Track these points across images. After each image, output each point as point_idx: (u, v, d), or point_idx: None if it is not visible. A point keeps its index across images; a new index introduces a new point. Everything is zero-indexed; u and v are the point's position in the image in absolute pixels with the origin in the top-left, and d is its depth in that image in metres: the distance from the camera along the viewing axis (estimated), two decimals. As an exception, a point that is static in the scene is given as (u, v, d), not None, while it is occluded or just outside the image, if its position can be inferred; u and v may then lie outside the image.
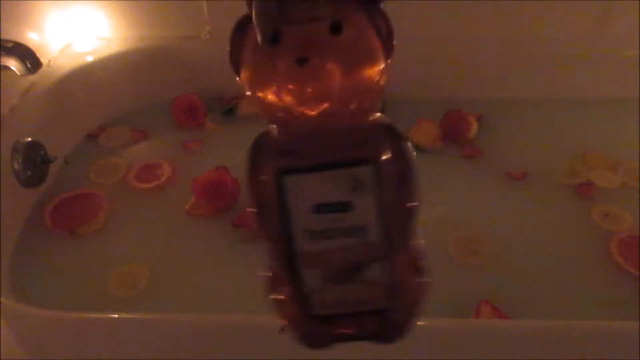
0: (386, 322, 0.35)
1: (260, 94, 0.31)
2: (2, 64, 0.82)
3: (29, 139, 0.96)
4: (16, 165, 0.93)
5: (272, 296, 0.36)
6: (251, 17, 0.30)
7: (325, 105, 0.30)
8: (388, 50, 0.31)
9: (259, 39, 0.29)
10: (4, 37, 0.86)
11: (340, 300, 0.34)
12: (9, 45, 0.82)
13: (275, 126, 0.33)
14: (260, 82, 0.31)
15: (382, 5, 0.31)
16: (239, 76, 0.32)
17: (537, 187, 0.99)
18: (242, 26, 0.32)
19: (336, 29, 0.30)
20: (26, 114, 1.01)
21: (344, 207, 0.31)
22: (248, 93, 0.32)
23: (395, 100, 1.14)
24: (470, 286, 0.82)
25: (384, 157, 0.32)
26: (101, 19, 1.19)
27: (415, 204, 0.33)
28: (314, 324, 0.35)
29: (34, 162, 0.97)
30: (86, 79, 1.15)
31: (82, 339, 0.73)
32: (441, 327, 0.68)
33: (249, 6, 0.30)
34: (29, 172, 0.96)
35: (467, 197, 0.98)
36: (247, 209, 0.34)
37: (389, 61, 0.31)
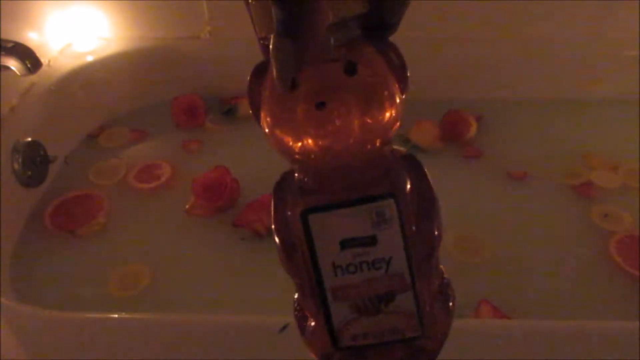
0: (414, 349, 0.35)
1: (280, 137, 0.31)
2: (2, 64, 0.82)
3: (29, 139, 0.96)
4: (16, 165, 0.93)
5: (302, 331, 0.36)
6: (267, 63, 0.31)
7: (345, 145, 0.31)
8: (403, 82, 0.32)
9: (278, 85, 0.30)
10: (4, 37, 0.86)
11: (369, 331, 0.34)
12: (9, 45, 0.82)
13: (296, 166, 0.33)
14: (280, 127, 0.31)
15: (389, 37, 0.32)
16: (258, 119, 0.33)
17: (537, 187, 0.99)
18: (260, 72, 0.32)
19: (351, 70, 0.30)
20: (26, 114, 1.01)
21: (368, 241, 0.32)
22: (268, 135, 0.32)
23: (395, 100, 1.15)
24: (470, 286, 0.82)
25: (404, 190, 0.32)
26: (101, 19, 1.19)
27: (438, 232, 0.34)
28: (344, 356, 0.35)
29: (34, 162, 0.97)
30: (86, 79, 1.15)
31: (82, 339, 0.73)
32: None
33: (263, 50, 0.31)
34: (29, 172, 0.96)
35: (467, 197, 0.98)
36: (276, 246, 0.35)
37: (403, 95, 0.32)
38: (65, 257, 0.89)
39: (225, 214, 0.95)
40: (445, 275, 0.36)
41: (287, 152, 0.32)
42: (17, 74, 0.83)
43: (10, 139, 0.94)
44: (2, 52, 0.81)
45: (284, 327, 0.65)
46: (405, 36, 0.33)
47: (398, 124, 0.32)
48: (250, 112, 0.34)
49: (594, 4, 1.11)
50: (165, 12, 1.18)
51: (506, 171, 1.02)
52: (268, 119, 0.32)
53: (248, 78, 0.33)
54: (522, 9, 1.12)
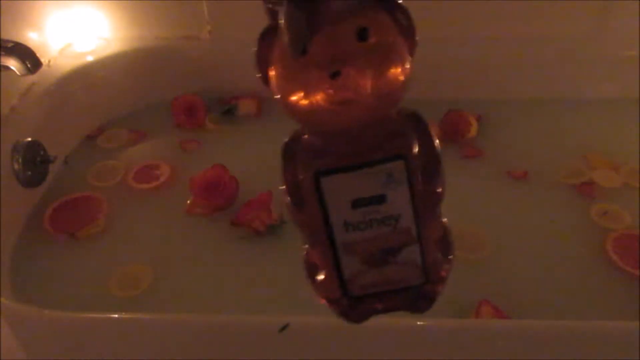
0: (418, 294, 0.37)
1: (292, 102, 0.32)
2: (2, 64, 0.81)
3: (29, 139, 0.96)
4: (16, 165, 0.93)
5: (312, 280, 0.38)
6: (274, 27, 0.31)
7: (357, 111, 0.31)
8: (411, 45, 0.32)
9: (290, 51, 0.30)
10: (4, 37, 0.86)
11: (377, 281, 0.36)
12: (9, 45, 0.82)
13: (306, 128, 0.34)
14: (292, 92, 0.32)
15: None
16: (266, 84, 0.33)
17: (537, 187, 0.99)
18: (267, 36, 0.33)
19: (363, 35, 0.31)
20: (26, 114, 1.01)
21: (378, 200, 0.34)
22: (279, 100, 0.33)
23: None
24: (470, 286, 0.82)
25: (412, 151, 0.33)
26: (101, 19, 1.19)
27: (442, 189, 0.35)
28: (353, 303, 0.37)
29: (34, 162, 0.97)
30: (86, 79, 1.15)
31: (82, 339, 0.73)
32: (441, 327, 0.68)
33: (269, 14, 0.32)
34: (29, 172, 0.96)
35: (468, 197, 0.97)
36: (285, 203, 0.36)
37: (412, 57, 0.33)
38: (66, 258, 0.89)
39: (224, 212, 0.95)
40: (446, 227, 0.38)
41: (298, 115, 0.32)
42: (17, 74, 0.83)
43: (10, 139, 0.94)
44: (2, 52, 0.81)
45: (284, 327, 0.65)
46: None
47: (407, 83, 0.32)
48: (260, 77, 0.34)
49: (594, 4, 1.11)
50: (165, 12, 1.18)
51: (506, 171, 1.02)
52: (279, 84, 0.32)
53: (256, 42, 0.33)
54: (522, 8, 1.12)
